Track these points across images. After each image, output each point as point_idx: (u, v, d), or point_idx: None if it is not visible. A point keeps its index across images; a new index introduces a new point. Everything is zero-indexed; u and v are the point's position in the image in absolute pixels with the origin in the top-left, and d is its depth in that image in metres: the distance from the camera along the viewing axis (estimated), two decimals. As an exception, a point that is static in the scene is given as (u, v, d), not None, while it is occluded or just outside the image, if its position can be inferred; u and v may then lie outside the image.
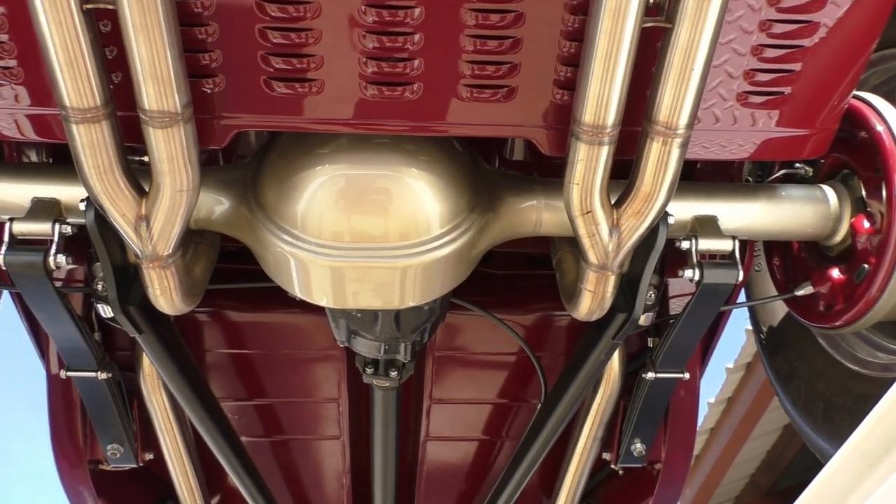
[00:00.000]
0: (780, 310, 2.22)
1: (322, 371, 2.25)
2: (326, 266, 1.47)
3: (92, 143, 1.24)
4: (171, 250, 1.41)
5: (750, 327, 5.64)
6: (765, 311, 2.29)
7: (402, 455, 2.33)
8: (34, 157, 1.74)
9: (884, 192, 1.62)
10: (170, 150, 1.26)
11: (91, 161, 1.26)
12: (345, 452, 2.45)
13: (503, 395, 2.38)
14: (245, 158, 1.81)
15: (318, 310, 2.07)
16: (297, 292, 1.56)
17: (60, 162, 1.70)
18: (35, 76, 1.34)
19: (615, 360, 2.01)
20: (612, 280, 1.50)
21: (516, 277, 2.21)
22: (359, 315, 1.64)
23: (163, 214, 1.34)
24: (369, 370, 1.87)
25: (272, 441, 2.46)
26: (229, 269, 2.00)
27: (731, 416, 6.35)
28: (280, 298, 2.10)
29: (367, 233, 1.45)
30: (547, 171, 1.76)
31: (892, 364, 1.83)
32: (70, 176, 1.55)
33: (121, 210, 1.33)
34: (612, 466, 2.33)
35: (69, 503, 2.23)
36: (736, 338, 5.96)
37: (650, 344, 2.04)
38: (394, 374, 1.86)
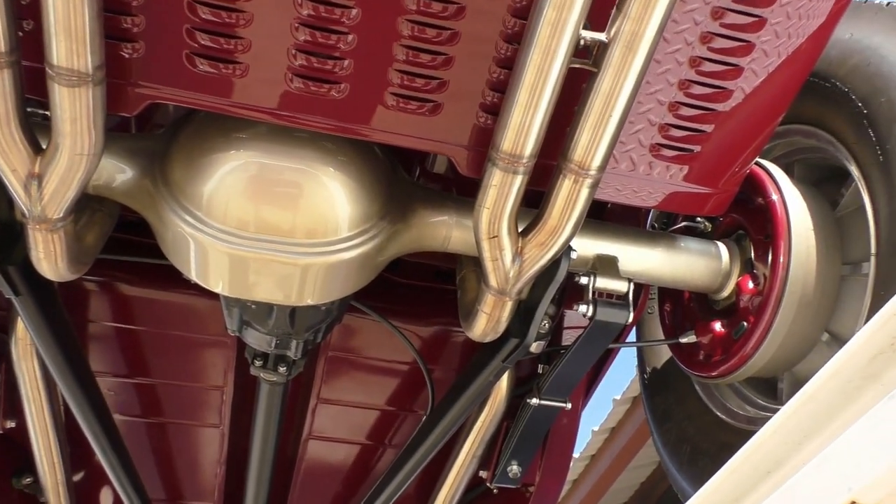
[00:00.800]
0: (664, 353, 2.32)
1: (210, 357, 2.19)
2: (226, 253, 1.43)
3: None
4: (61, 214, 1.34)
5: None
6: (651, 353, 2.38)
7: (282, 451, 2.29)
8: None
9: (769, 257, 1.72)
10: (74, 110, 1.20)
11: (-13, 109, 1.19)
12: (223, 442, 2.39)
13: (390, 403, 2.38)
14: (159, 130, 1.74)
15: (213, 294, 2.03)
16: (193, 275, 1.52)
17: None
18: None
19: (503, 381, 2.05)
20: (508, 305, 1.53)
21: (420, 288, 2.22)
22: (254, 306, 1.61)
23: (57, 176, 1.27)
24: (258, 363, 1.83)
25: (149, 422, 2.37)
26: (127, 239, 1.93)
27: (613, 445, 6.58)
28: (175, 277, 2.03)
29: (274, 225, 1.43)
30: (465, 190, 1.78)
31: (756, 417, 1.94)
32: None
33: (12, 165, 1.26)
34: (487, 485, 2.37)
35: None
36: (627, 371, 6.20)
37: (540, 370, 2.09)
38: (283, 369, 1.83)
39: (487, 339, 1.65)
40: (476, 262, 1.80)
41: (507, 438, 2.14)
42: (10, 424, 2.03)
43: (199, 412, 2.34)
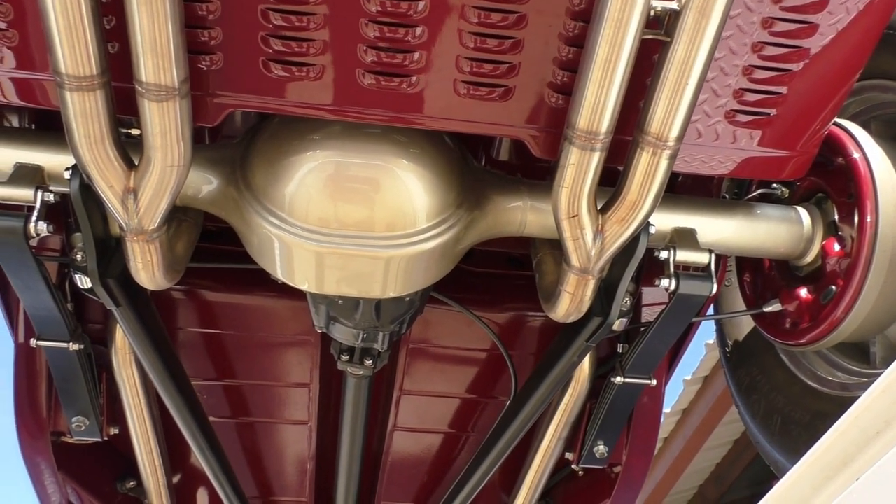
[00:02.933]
0: (745, 325, 2.28)
1: (295, 356, 2.25)
2: (311, 251, 1.47)
3: (85, 112, 1.23)
4: (156, 225, 1.40)
5: (710, 341, 5.75)
6: (731, 326, 2.35)
7: (368, 444, 2.34)
8: (15, 123, 1.71)
9: (855, 218, 1.68)
10: (164, 124, 1.25)
11: (82, 130, 1.25)
12: (311, 438, 2.46)
13: (472, 391, 2.40)
14: (230, 138, 1.80)
15: (295, 295, 2.08)
16: (280, 275, 1.57)
17: (44, 128, 1.67)
18: (27, 40, 1.32)
19: (585, 362, 2.05)
20: (591, 284, 1.53)
21: (494, 276, 2.23)
22: (340, 302, 1.65)
23: (151, 189, 1.33)
24: (344, 357, 1.87)
25: (239, 422, 2.45)
26: (209, 248, 1.99)
27: (685, 427, 6.47)
28: (258, 281, 2.10)
29: (354, 221, 1.46)
30: (531, 174, 1.79)
31: (849, 383, 1.90)
32: (55, 143, 1.54)
33: (108, 181, 1.32)
34: (573, 467, 2.37)
35: (28, 474, 2.20)
36: (695, 351, 6.07)
37: (619, 350, 2.08)
38: (368, 362, 1.87)
39: (570, 320, 1.65)
40: (552, 245, 1.81)
41: (592, 419, 2.14)
42: (114, 431, 2.12)
43: (287, 410, 2.41)
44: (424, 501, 2.81)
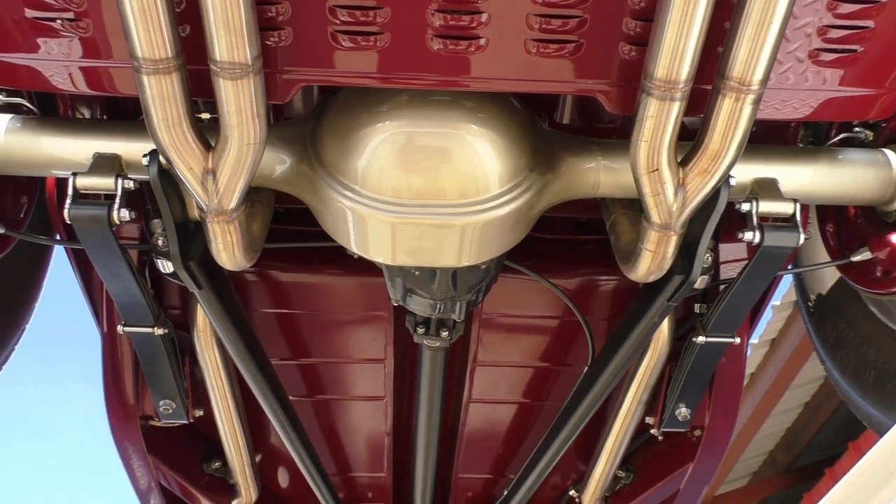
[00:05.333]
0: (829, 278, 2.20)
1: (369, 332, 2.27)
2: (385, 222, 1.47)
3: (162, 95, 1.24)
4: (235, 205, 1.41)
5: (777, 303, 5.56)
6: (813, 280, 2.27)
7: (443, 417, 2.34)
8: (87, 114, 1.75)
9: None
10: (239, 102, 1.26)
11: (161, 113, 1.26)
12: (387, 413, 2.48)
13: (546, 360, 2.38)
14: (295, 117, 1.80)
15: (367, 272, 2.10)
16: (355, 249, 1.57)
17: (118, 118, 1.71)
18: (100, 28, 1.33)
19: (664, 324, 2.01)
20: (673, 240, 1.49)
21: (562, 242, 2.20)
22: (417, 273, 1.64)
23: (229, 168, 1.34)
24: (420, 330, 1.88)
25: (315, 401, 2.49)
26: (279, 230, 2.01)
27: (754, 391, 6.31)
28: (330, 260, 2.12)
29: (427, 190, 1.45)
30: (595, 136, 1.74)
31: (946, 331, 1.82)
32: (130, 132, 1.57)
33: (188, 163, 1.34)
34: (653, 431, 2.34)
35: (119, 458, 2.28)
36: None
37: (697, 310, 2.04)
38: (445, 334, 1.87)
39: (651, 279, 1.61)
40: (625, 205, 1.77)
41: (673, 381, 2.10)
42: (199, 413, 2.18)
43: (363, 387, 2.43)
44: (501, 473, 2.82)
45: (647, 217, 1.46)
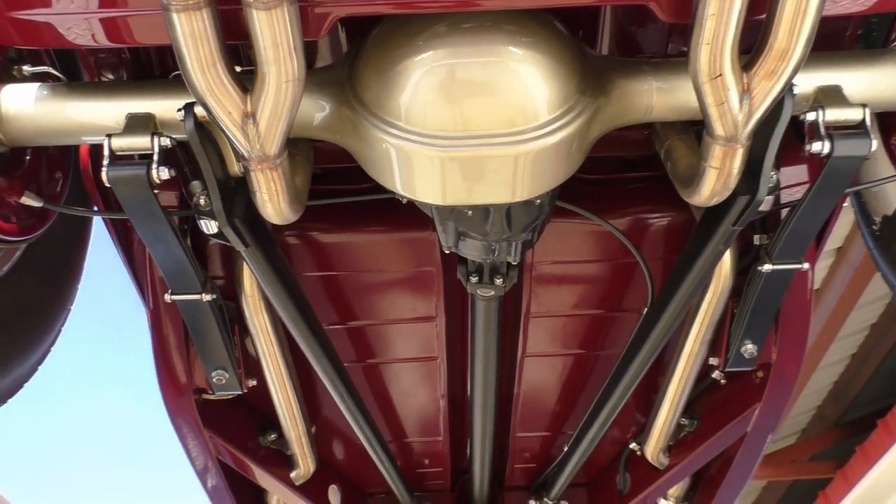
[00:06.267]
0: (894, 198, 2.08)
1: (418, 289, 2.21)
2: (432, 157, 1.40)
3: (194, 34, 1.19)
4: (277, 150, 1.36)
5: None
6: (877, 201, 2.15)
7: (499, 376, 2.28)
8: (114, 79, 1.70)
9: None
10: (274, 34, 1.19)
11: (194, 54, 1.21)
12: (441, 374, 2.43)
13: (602, 306, 2.30)
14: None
15: (413, 226, 2.04)
16: (403, 191, 1.50)
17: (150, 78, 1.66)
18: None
19: (726, 257, 1.92)
20: (739, 154, 1.40)
21: (609, 181, 2.12)
22: (469, 213, 1.57)
23: (269, 110, 1.28)
24: (473, 279, 1.81)
25: (367, 366, 2.44)
26: (318, 190, 1.96)
27: (819, 309, 6.09)
28: (374, 217, 2.06)
29: (474, 121, 1.37)
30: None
31: None
32: (162, 90, 1.52)
33: (226, 108, 1.28)
34: (716, 375, 2.26)
35: (175, 434, 2.26)
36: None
37: (756, 241, 1.95)
38: (498, 281, 1.80)
39: (715, 201, 1.53)
40: (679, 129, 1.68)
41: (737, 317, 2.02)
42: (252, 383, 2.14)
43: (415, 347, 2.38)
44: (559, 430, 2.76)
45: (711, 131, 1.37)
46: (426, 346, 2.36)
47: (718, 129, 1.36)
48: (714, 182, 1.46)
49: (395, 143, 1.40)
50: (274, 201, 1.44)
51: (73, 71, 1.70)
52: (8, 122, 1.54)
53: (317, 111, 1.47)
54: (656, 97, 1.51)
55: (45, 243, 1.87)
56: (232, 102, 1.28)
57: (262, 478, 2.48)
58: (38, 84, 1.55)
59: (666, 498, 2.83)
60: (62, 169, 1.81)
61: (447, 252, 1.74)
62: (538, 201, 1.56)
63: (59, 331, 2.03)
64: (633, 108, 1.52)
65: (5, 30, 1.32)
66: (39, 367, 1.94)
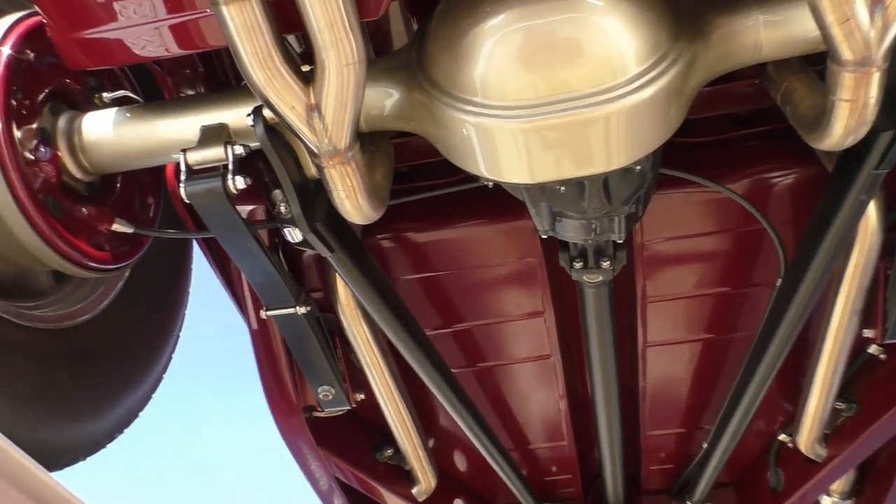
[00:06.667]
0: None
1: (521, 283, 2.08)
2: (515, 129, 1.27)
3: (246, 25, 1.13)
4: (347, 141, 1.28)
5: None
6: None
7: (620, 370, 2.10)
8: (191, 92, 1.69)
9: None
10: (329, 14, 1.11)
11: (249, 47, 1.15)
12: (557, 373, 2.27)
13: (726, 283, 2.08)
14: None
15: (509, 215, 1.92)
16: (488, 173, 1.38)
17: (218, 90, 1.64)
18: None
19: (871, 209, 1.67)
20: (875, 79, 1.19)
21: (719, 143, 1.91)
22: (562, 190, 1.43)
23: (332, 97, 1.20)
24: (577, 265, 1.66)
25: (477, 370, 2.32)
26: (405, 189, 1.88)
27: None
28: (466, 211, 1.96)
29: (554, 84, 1.24)
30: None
31: None
32: (233, 99, 1.49)
33: (289, 102, 1.21)
34: (873, 350, 1.98)
35: (293, 457, 2.23)
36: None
37: None
38: (605, 263, 1.64)
39: (849, 143, 1.31)
40: (795, 67, 1.48)
41: (892, 279, 1.76)
42: (360, 397, 2.08)
43: (526, 346, 2.24)
44: (695, 425, 2.53)
45: (837, 57, 1.17)
46: (537, 345, 2.21)
47: (846, 52, 1.15)
48: (847, 118, 1.24)
49: (474, 121, 1.28)
50: (351, 198, 1.36)
51: (155, 93, 1.71)
52: (92, 149, 1.55)
53: (386, 99, 1.39)
54: (764, 32, 1.32)
55: (147, 270, 1.88)
56: (294, 95, 1.21)
57: (385, 496, 2.41)
58: (116, 109, 1.55)
59: (829, 494, 2.53)
60: (153, 193, 1.82)
61: (545, 237, 1.59)
62: (638, 168, 1.40)
63: (170, 358, 2.04)
64: (739, 48, 1.34)
65: (72, 53, 1.32)
66: (152, 396, 1.95)
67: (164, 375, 2.02)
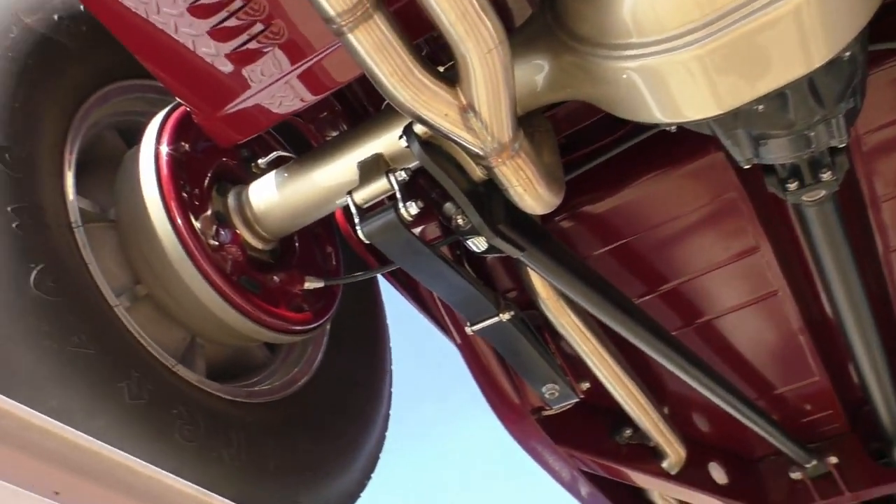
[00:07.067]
0: None
1: (725, 223, 1.87)
2: (689, 60, 1.11)
3: (377, 45, 1.06)
4: (511, 133, 1.18)
5: None
6: None
7: (864, 286, 1.83)
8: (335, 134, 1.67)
9: None
10: (458, 4, 1.02)
11: (386, 67, 1.08)
12: (789, 306, 2.03)
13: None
14: None
15: (692, 153, 1.74)
16: (667, 117, 1.23)
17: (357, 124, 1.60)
18: (290, 25, 1.20)
19: None
20: None
21: None
22: (760, 109, 1.24)
23: (483, 90, 1.11)
24: (792, 185, 1.44)
25: (699, 326, 2.14)
26: (569, 161, 1.75)
27: None
28: (643, 163, 1.80)
29: None
30: None
31: None
32: (380, 125, 1.44)
33: (440, 110, 1.13)
34: None
35: (533, 460, 2.17)
36: None
37: None
38: (826, 175, 1.41)
39: None
40: None
41: None
42: (586, 386, 1.98)
43: (747, 289, 2.03)
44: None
45: None
46: (759, 283, 1.99)
47: None
48: None
49: (636, 65, 1.14)
50: (530, 190, 1.26)
51: (302, 141, 1.71)
52: (265, 218, 1.57)
53: (536, 73, 1.27)
54: None
55: (345, 317, 1.90)
56: (443, 102, 1.13)
57: (636, 477, 2.29)
58: (274, 172, 1.56)
59: None
60: (330, 242, 1.83)
61: (746, 168, 1.40)
62: (846, 55, 1.18)
63: (390, 391, 2.04)
64: None
65: (221, 131, 1.33)
66: (385, 436, 1.95)
67: (390, 411, 2.02)
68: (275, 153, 1.62)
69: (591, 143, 1.77)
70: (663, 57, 1.11)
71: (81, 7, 1.43)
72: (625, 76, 1.17)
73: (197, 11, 1.18)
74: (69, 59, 1.42)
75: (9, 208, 1.20)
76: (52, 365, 1.16)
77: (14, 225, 1.19)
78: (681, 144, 1.60)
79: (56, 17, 1.42)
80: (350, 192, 1.38)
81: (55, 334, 1.17)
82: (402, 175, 1.36)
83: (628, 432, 2.24)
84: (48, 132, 1.33)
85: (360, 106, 1.63)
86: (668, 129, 1.29)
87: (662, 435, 2.22)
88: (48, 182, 1.29)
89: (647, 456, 2.29)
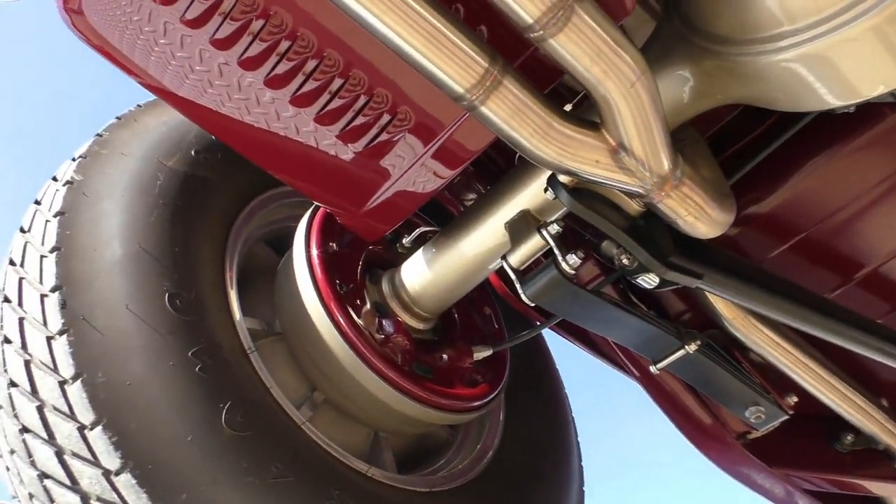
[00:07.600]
0: None
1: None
2: (861, 34, 0.98)
3: (513, 111, 1.00)
4: (669, 162, 1.08)
5: None
6: None
7: None
8: (473, 196, 1.63)
9: None
10: (587, 45, 0.95)
11: (525, 130, 1.01)
12: None
13: None
14: None
15: (862, 125, 1.55)
16: (841, 99, 1.08)
17: (493, 181, 1.55)
18: (416, 109, 1.17)
19: None
20: None
21: None
22: None
23: (632, 126, 1.02)
24: None
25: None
26: (721, 162, 1.60)
27: None
28: (805, 147, 1.63)
29: None
30: None
31: None
32: (517, 183, 1.38)
33: (590, 159, 1.05)
34: None
35: (747, 487, 1.98)
36: None
37: None
38: None
39: None
40: None
41: None
42: (793, 400, 1.79)
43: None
44: None
45: None
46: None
47: None
48: None
49: (795, 53, 1.02)
50: (701, 215, 1.15)
51: (440, 209, 1.68)
52: (421, 298, 1.54)
53: (679, 87, 1.17)
54: None
55: (515, 376, 1.82)
56: (591, 148, 1.05)
57: (871, 486, 2.04)
58: (421, 249, 1.53)
59: None
60: (488, 303, 1.77)
61: None
62: None
63: (578, 446, 1.94)
64: None
65: (367, 227, 1.31)
66: (584, 491, 1.85)
67: (582, 463, 1.92)
68: (418, 230, 1.59)
69: (737, 139, 1.63)
70: (828, 38, 0.98)
71: (213, 137, 1.47)
72: (782, 67, 1.04)
73: (323, 120, 1.17)
74: (212, 190, 1.46)
75: (189, 353, 1.23)
76: (258, 502, 1.16)
77: (197, 369, 1.22)
78: (845, 116, 1.43)
79: (193, 152, 1.47)
80: (504, 257, 1.32)
81: (255, 470, 1.17)
82: (556, 228, 1.28)
83: (850, 438, 2.01)
84: (208, 269, 1.36)
85: (492, 163, 1.57)
86: (845, 111, 1.15)
87: (890, 433, 1.97)
88: (217, 317, 1.32)
89: (878, 460, 2.03)
